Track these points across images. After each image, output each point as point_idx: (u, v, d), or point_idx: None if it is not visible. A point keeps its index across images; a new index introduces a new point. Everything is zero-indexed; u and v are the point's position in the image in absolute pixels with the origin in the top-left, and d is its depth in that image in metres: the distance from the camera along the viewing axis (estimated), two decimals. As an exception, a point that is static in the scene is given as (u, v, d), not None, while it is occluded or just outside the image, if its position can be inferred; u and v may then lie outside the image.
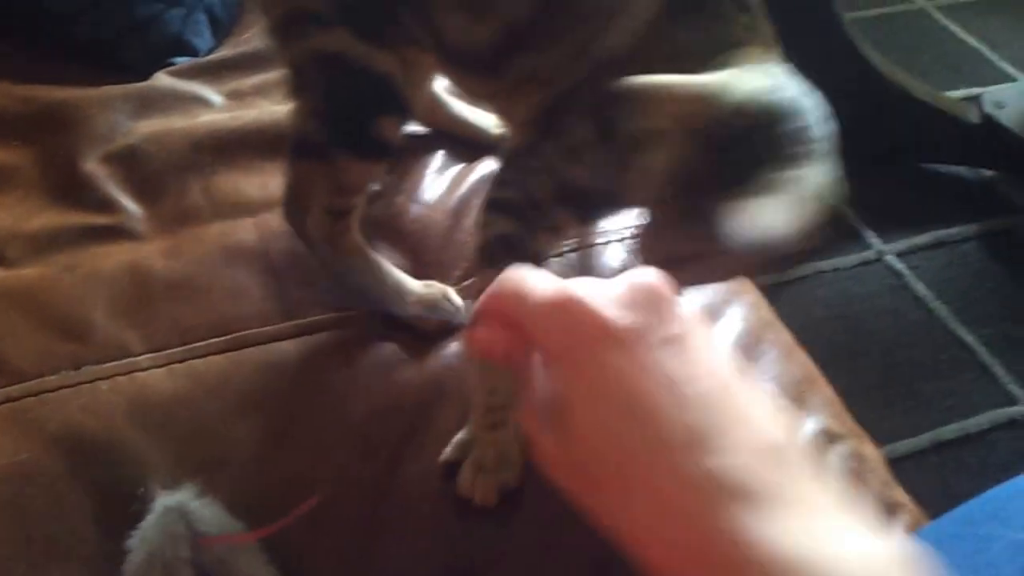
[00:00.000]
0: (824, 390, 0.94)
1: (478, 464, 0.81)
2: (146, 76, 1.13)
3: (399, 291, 0.92)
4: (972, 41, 2.30)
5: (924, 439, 1.30)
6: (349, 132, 0.83)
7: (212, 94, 1.12)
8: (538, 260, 0.80)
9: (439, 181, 1.05)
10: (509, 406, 0.80)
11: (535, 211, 0.78)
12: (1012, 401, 1.45)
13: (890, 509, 0.85)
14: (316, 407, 0.86)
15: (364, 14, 0.78)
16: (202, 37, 1.18)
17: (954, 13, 2.40)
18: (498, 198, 0.80)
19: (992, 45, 2.29)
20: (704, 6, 0.71)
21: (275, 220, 0.97)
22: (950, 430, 1.35)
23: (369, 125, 0.82)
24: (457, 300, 0.93)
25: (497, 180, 0.82)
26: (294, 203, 0.91)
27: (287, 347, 0.90)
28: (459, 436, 0.83)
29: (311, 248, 0.92)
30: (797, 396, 0.92)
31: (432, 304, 0.91)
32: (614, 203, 0.82)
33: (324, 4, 0.78)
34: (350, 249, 0.91)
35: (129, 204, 1.00)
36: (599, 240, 1.02)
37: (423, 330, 0.91)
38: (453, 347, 0.91)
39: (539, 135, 0.78)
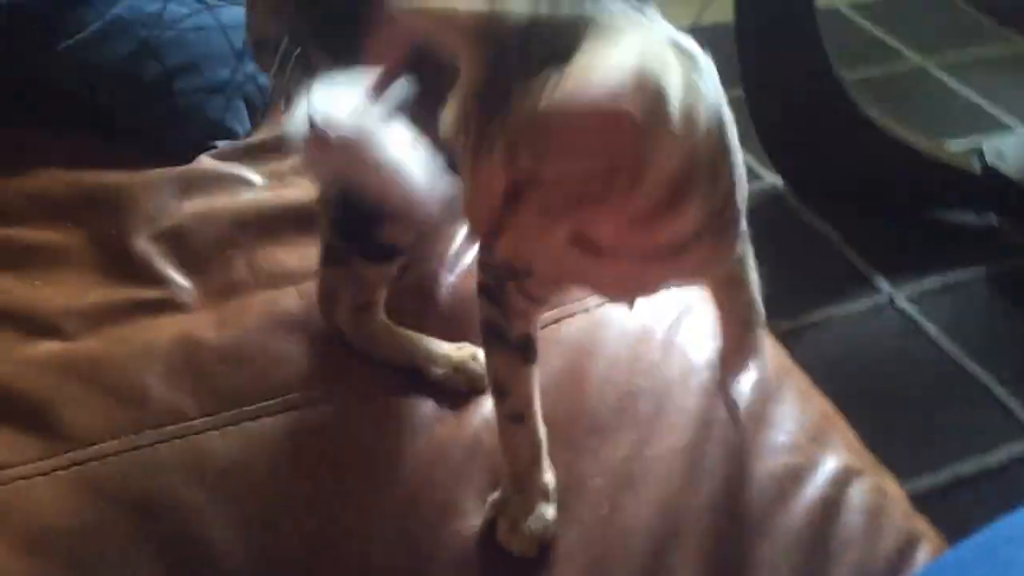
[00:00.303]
0: (842, 429, 0.99)
1: (514, 520, 0.86)
2: (189, 159, 1.20)
3: (428, 356, 0.98)
4: (970, 95, 2.38)
5: (943, 475, 1.34)
6: (358, 239, 0.93)
7: (252, 175, 1.20)
8: (527, 349, 0.85)
9: (468, 246, 1.11)
10: (532, 471, 0.86)
11: (507, 278, 0.82)
12: None
13: (913, 539, 0.89)
14: (362, 465, 0.91)
15: None
16: (240, 121, 1.26)
17: (951, 69, 2.48)
18: (481, 283, 0.86)
19: (990, 98, 2.36)
20: None
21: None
22: (968, 465, 1.38)
23: (374, 232, 0.91)
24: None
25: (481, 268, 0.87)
26: (324, 302, 0.99)
27: (332, 408, 0.95)
28: (495, 495, 0.88)
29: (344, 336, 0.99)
30: (817, 436, 0.96)
31: (460, 366, 0.98)
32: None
33: None
34: (377, 332, 0.98)
35: (178, 278, 1.07)
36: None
37: (455, 390, 0.97)
38: (489, 404, 0.95)
39: None
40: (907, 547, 0.88)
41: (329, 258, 0.97)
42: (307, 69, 0.83)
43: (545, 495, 0.87)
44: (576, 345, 1.02)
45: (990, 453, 1.42)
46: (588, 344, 1.02)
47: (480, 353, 0.97)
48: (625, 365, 1.00)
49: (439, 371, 0.97)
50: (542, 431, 0.87)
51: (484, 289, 0.86)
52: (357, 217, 0.91)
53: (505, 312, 0.84)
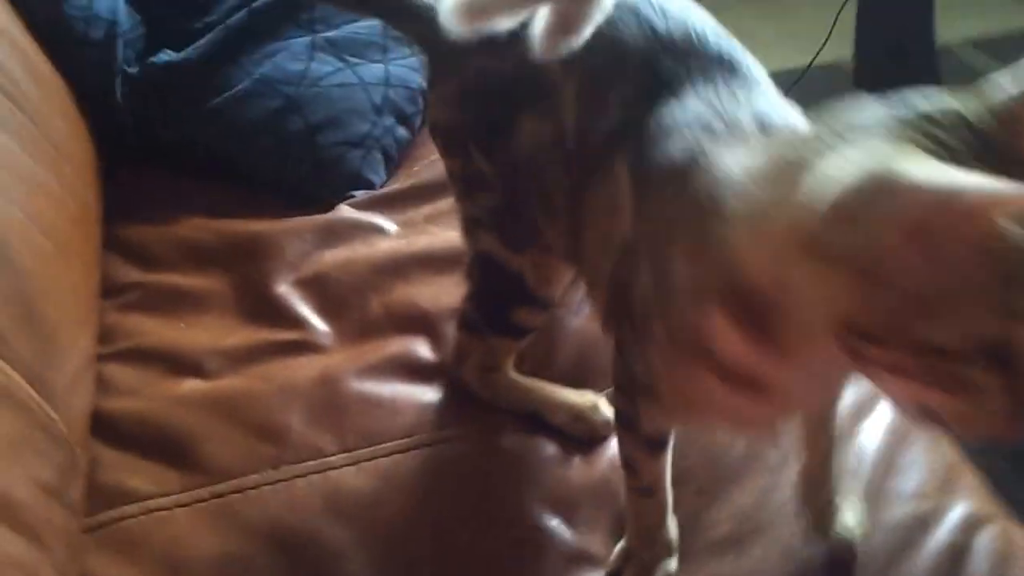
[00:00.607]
0: (968, 476, 0.95)
1: (639, 572, 0.85)
2: (328, 208, 1.24)
3: (551, 404, 0.98)
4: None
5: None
6: (494, 318, 0.97)
7: (388, 223, 1.22)
8: (657, 445, 0.83)
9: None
10: (658, 530, 0.85)
11: (637, 386, 0.80)
12: None
13: None
14: (491, 505, 0.91)
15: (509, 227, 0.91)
16: (377, 173, 1.30)
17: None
18: (614, 373, 0.84)
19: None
20: None
21: (448, 332, 1.05)
22: None
23: (509, 313, 0.95)
24: (606, 408, 0.97)
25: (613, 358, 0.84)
26: (455, 360, 1.01)
27: (461, 448, 0.96)
28: (621, 545, 0.87)
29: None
30: (945, 483, 0.93)
31: (580, 415, 0.97)
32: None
33: (484, 213, 0.92)
34: (502, 387, 1.00)
35: (316, 321, 1.09)
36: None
37: (574, 437, 0.96)
38: (614, 445, 0.94)
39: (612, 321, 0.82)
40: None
41: (464, 323, 0.99)
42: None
43: (669, 550, 0.86)
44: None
45: None
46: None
47: (602, 403, 0.97)
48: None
49: (560, 419, 0.97)
50: (670, 495, 0.86)
51: (619, 388, 0.84)
52: (496, 298, 0.95)
53: (637, 413, 0.82)
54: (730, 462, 0.94)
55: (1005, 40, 2.68)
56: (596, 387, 1.01)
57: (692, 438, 0.94)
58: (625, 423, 0.84)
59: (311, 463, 0.93)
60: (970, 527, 0.89)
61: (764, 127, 0.69)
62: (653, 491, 0.85)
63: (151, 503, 0.91)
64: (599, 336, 1.04)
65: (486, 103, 0.86)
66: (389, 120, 1.32)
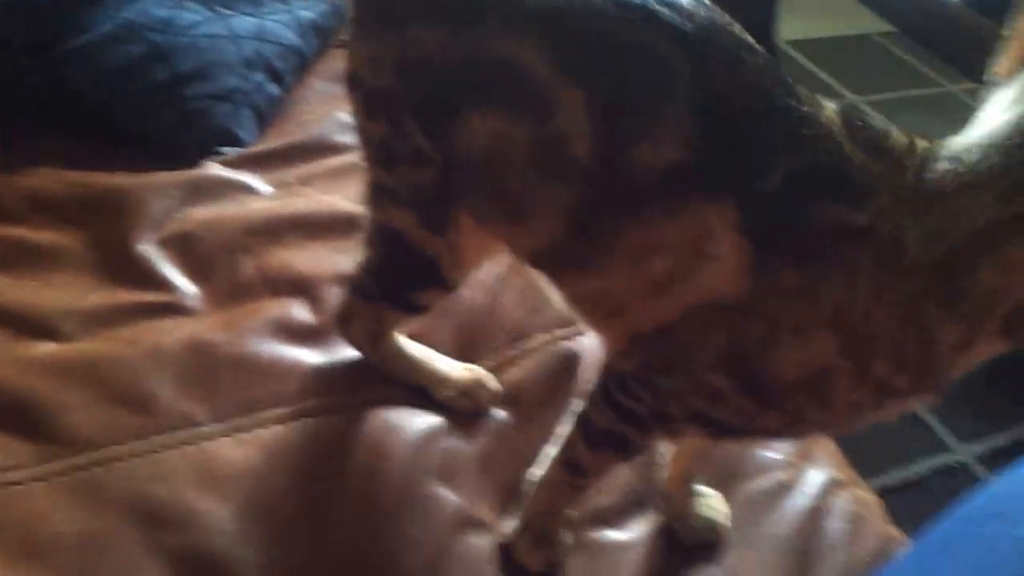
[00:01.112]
0: (827, 445, 1.03)
1: (535, 541, 0.87)
2: (195, 165, 1.17)
3: (437, 378, 0.97)
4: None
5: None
6: (393, 293, 0.91)
7: (260, 183, 1.17)
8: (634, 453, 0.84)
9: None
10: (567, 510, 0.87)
11: (662, 423, 0.79)
12: (946, 449, 1.58)
13: (889, 542, 0.95)
14: (375, 473, 0.89)
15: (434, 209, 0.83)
16: (247, 130, 1.24)
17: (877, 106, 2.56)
18: (621, 404, 0.79)
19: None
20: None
21: (328, 297, 1.01)
22: (891, 478, 1.50)
23: (413, 293, 0.91)
24: (493, 385, 0.97)
25: (619, 384, 0.80)
26: (342, 321, 0.96)
27: (346, 417, 0.93)
28: (517, 518, 0.87)
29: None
30: (806, 452, 1.01)
31: (467, 390, 0.96)
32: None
33: (404, 188, 0.84)
34: (390, 353, 0.96)
35: (183, 283, 1.03)
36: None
37: (460, 411, 0.96)
38: (499, 418, 0.96)
39: (658, 363, 0.76)
40: (884, 549, 0.94)
41: (358, 289, 0.94)
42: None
43: (567, 523, 0.88)
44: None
45: (911, 466, 1.53)
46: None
47: (488, 380, 0.97)
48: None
49: (446, 393, 0.96)
50: None
51: (626, 414, 0.80)
52: (400, 278, 0.90)
53: (643, 442, 0.83)
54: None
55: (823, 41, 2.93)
56: (480, 359, 1.00)
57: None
58: (616, 444, 0.82)
59: (182, 433, 0.88)
60: (828, 491, 0.97)
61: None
62: (585, 488, 0.86)
63: (2, 477, 0.84)
64: (480, 304, 1.05)
65: (431, 85, 0.77)
66: (260, 76, 1.26)
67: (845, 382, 0.69)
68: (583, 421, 0.83)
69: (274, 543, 0.82)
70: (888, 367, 0.68)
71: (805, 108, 0.67)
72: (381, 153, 0.84)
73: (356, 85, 0.84)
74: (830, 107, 0.69)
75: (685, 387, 0.74)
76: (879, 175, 0.66)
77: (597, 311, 0.80)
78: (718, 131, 0.67)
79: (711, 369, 0.72)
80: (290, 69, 1.31)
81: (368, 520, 0.85)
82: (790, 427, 0.76)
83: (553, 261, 0.79)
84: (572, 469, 0.84)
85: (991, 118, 0.66)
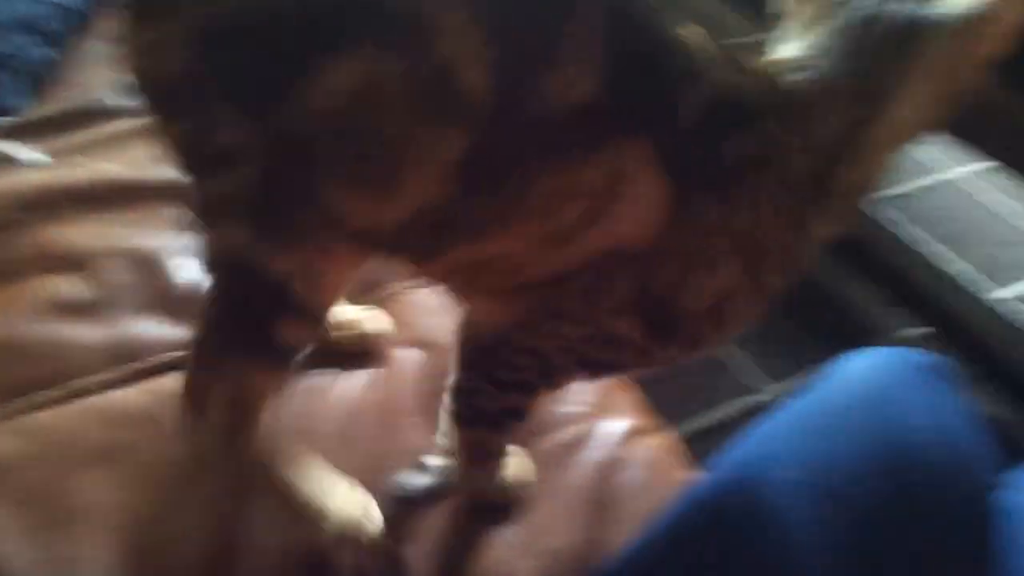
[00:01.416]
0: (628, 394, 1.02)
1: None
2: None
3: (315, 508, 0.82)
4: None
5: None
6: (247, 335, 0.73)
7: (33, 153, 1.10)
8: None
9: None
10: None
11: (548, 379, 0.78)
12: (752, 391, 1.60)
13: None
14: (169, 450, 0.85)
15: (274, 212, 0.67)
16: (18, 96, 1.16)
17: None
18: (501, 378, 0.77)
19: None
20: None
21: (107, 270, 0.97)
22: (700, 421, 1.51)
23: (269, 329, 0.72)
24: (376, 517, 0.85)
25: (492, 359, 0.76)
26: (195, 400, 0.78)
27: (129, 394, 0.89)
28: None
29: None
30: (604, 402, 0.99)
31: (348, 529, 0.82)
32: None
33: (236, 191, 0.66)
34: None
35: (-55, 262, 0.97)
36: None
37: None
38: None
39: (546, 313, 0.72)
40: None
41: (204, 350, 0.76)
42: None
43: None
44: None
45: (718, 408, 1.54)
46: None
47: (371, 508, 0.85)
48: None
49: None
50: None
51: (511, 385, 0.78)
52: (246, 312, 0.72)
53: (531, 397, 0.81)
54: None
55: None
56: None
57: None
58: (509, 415, 0.81)
59: (-55, 422, 0.83)
60: (626, 440, 0.97)
61: None
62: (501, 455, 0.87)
63: None
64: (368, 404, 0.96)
65: (255, 49, 0.61)
66: (31, 37, 1.18)
67: (742, 298, 0.71)
68: (465, 417, 0.81)
69: (48, 538, 0.78)
70: (776, 274, 0.71)
71: (690, 32, 0.65)
72: (194, 158, 0.68)
73: (148, 84, 0.68)
74: (695, 29, 0.66)
75: (577, 335, 0.72)
76: (762, 98, 0.67)
77: (479, 279, 0.73)
78: (627, 58, 0.62)
79: (615, 314, 0.70)
80: (65, 30, 1.24)
81: (165, 498, 0.82)
82: (687, 354, 0.75)
83: (432, 234, 0.67)
84: (480, 455, 0.85)
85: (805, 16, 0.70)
